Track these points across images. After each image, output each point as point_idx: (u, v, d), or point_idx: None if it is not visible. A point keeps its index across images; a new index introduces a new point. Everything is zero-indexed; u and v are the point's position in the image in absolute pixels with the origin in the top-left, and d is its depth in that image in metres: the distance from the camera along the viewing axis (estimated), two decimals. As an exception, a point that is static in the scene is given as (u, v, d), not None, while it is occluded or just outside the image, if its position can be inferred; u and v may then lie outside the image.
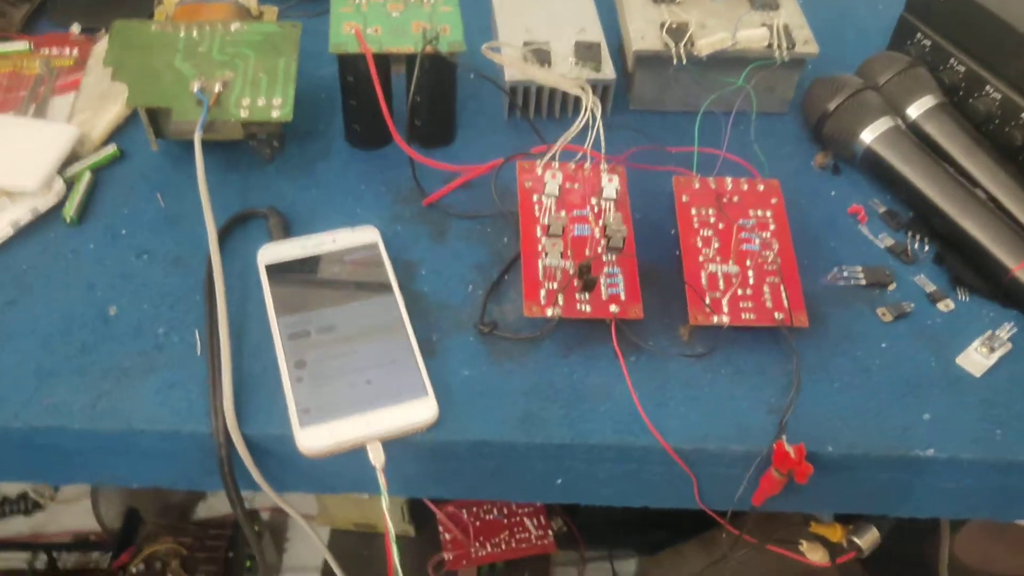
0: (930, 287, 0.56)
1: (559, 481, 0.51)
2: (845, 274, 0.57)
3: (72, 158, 0.60)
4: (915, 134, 0.63)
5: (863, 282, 0.56)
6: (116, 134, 0.64)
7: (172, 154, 0.62)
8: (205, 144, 0.56)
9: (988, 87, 0.63)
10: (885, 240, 0.59)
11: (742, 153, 0.60)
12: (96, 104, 0.64)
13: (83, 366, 0.50)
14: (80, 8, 0.74)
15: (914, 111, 0.64)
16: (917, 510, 0.53)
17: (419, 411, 0.48)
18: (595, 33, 0.68)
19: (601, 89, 0.65)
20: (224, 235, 0.56)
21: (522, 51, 0.65)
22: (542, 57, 0.65)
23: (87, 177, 0.59)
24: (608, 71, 0.65)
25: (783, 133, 0.67)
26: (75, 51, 0.69)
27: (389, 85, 0.61)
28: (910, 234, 0.60)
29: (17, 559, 1.01)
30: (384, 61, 0.59)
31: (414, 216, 0.59)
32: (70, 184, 0.59)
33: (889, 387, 0.51)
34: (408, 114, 0.60)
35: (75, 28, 0.72)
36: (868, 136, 0.62)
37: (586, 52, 0.65)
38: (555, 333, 0.52)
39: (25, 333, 0.52)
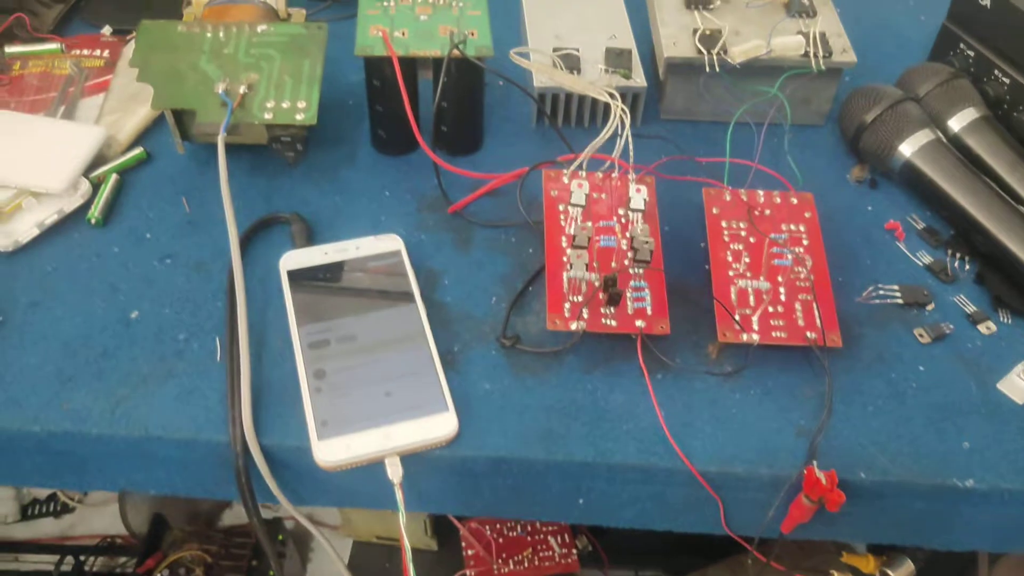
0: (970, 308, 0.55)
1: (580, 501, 0.49)
2: (881, 292, 0.55)
3: (99, 160, 0.60)
4: (956, 148, 0.61)
5: (900, 301, 0.55)
6: (143, 136, 0.63)
7: (198, 157, 0.62)
8: (230, 147, 0.56)
9: (1034, 100, 0.61)
10: (924, 258, 0.57)
11: (775, 165, 0.58)
12: (124, 105, 0.64)
13: (103, 371, 0.50)
14: (112, 9, 0.74)
15: (956, 124, 0.61)
16: (954, 542, 0.51)
17: (438, 426, 0.47)
18: (626, 39, 0.67)
19: (631, 97, 0.64)
20: (247, 240, 0.56)
21: (551, 57, 0.64)
22: (571, 63, 0.63)
23: (113, 179, 0.59)
24: (639, 78, 0.63)
25: (818, 145, 0.65)
26: (106, 52, 0.69)
27: (416, 90, 0.60)
28: (950, 252, 0.58)
29: (45, 562, 1.01)
30: (411, 65, 0.58)
31: (438, 224, 0.58)
32: (96, 185, 0.59)
33: (926, 412, 0.49)
34: (434, 120, 0.59)
35: (106, 29, 0.72)
36: (907, 149, 0.60)
37: (616, 59, 0.64)
38: (579, 348, 0.51)
39: (48, 336, 0.51)
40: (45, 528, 1.07)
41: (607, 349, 0.51)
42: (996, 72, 0.63)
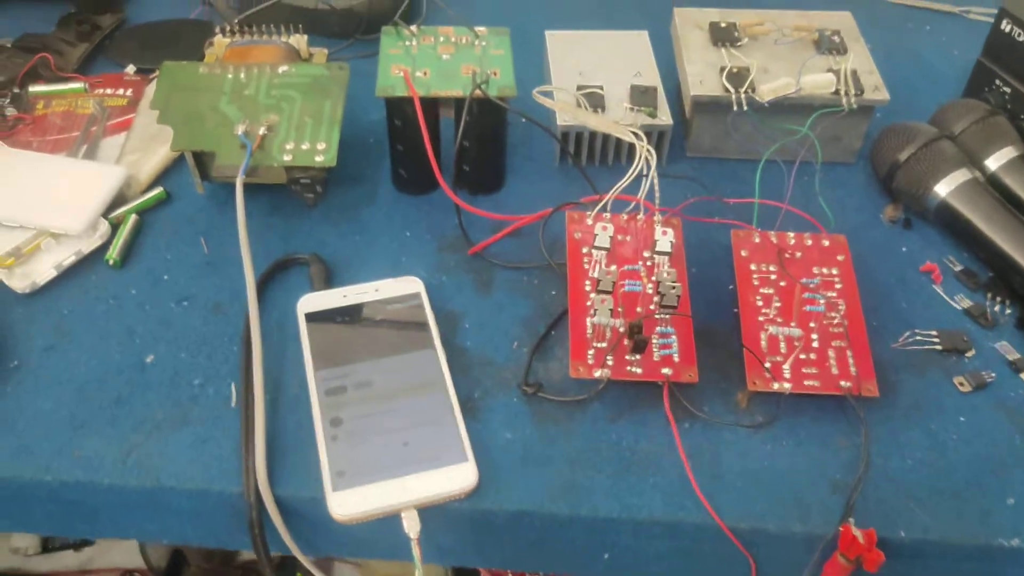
0: (1013, 355, 0.52)
1: (606, 556, 0.47)
2: (918, 338, 0.53)
3: (119, 199, 0.60)
4: (994, 187, 0.59)
5: (938, 347, 0.52)
6: (164, 175, 0.63)
7: (218, 197, 0.61)
8: (250, 187, 0.55)
9: (1075, 138, 0.59)
10: (962, 302, 0.55)
11: (806, 205, 0.57)
12: (146, 145, 0.64)
13: (116, 417, 0.49)
14: (137, 48, 0.74)
15: (993, 163, 0.60)
16: (999, 604, 0.48)
17: (458, 477, 0.45)
18: (651, 77, 0.65)
19: (657, 135, 0.63)
20: (265, 282, 0.55)
21: (575, 95, 0.63)
22: (595, 102, 0.62)
23: (132, 219, 0.59)
24: (664, 117, 0.62)
25: (850, 183, 0.64)
26: (129, 91, 0.69)
27: (437, 129, 0.59)
28: (990, 296, 0.56)
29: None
30: (432, 105, 0.58)
31: (459, 265, 0.57)
32: (115, 226, 0.58)
33: (968, 466, 0.47)
34: (456, 159, 0.58)
35: (130, 68, 0.72)
36: (943, 189, 0.58)
37: (641, 96, 0.63)
38: (603, 396, 0.50)
39: (62, 380, 0.51)
40: (65, 561, 1.07)
41: (632, 397, 0.49)
42: (1034, 109, 0.62)
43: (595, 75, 0.65)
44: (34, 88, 0.68)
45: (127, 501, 0.47)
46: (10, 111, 0.66)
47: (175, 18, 0.77)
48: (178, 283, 0.56)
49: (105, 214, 0.58)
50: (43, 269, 0.55)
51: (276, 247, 0.58)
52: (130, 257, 0.58)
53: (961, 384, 0.51)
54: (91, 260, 0.57)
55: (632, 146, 0.55)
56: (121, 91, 0.69)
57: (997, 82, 0.64)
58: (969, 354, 0.52)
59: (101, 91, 0.69)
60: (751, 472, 0.47)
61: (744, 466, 0.47)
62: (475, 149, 0.59)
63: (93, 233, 0.57)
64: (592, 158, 0.64)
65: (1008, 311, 0.55)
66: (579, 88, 0.63)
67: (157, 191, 0.61)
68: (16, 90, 0.68)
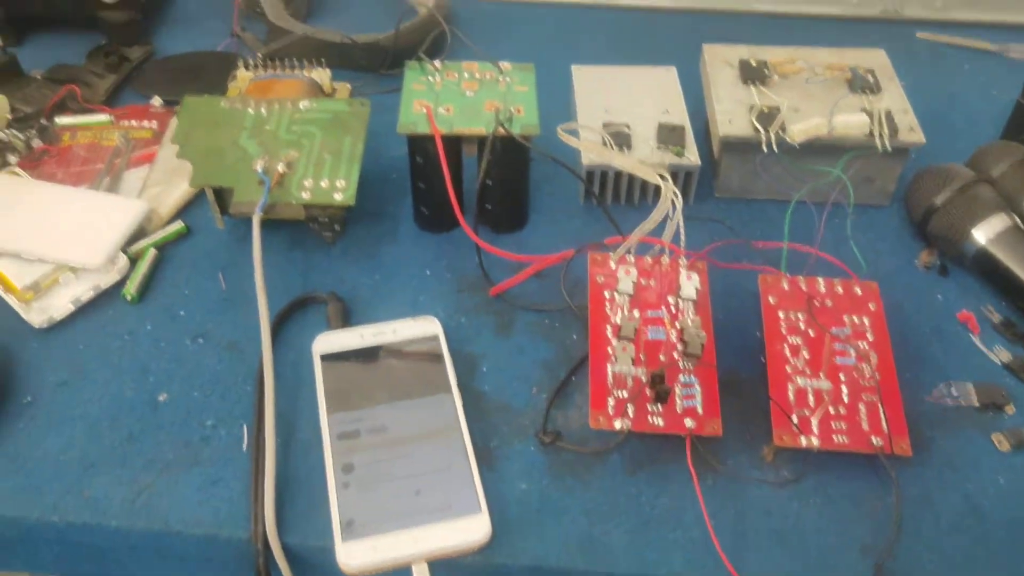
0: (1056, 411, 0.50)
1: (622, 614, 0.46)
2: (954, 392, 0.50)
3: (139, 233, 0.60)
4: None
5: (975, 403, 0.50)
6: (185, 209, 0.63)
7: (238, 232, 0.61)
8: (270, 221, 0.54)
9: (1121, 184, 0.57)
10: (1001, 354, 0.53)
11: (837, 250, 0.55)
12: (168, 178, 0.64)
13: (127, 456, 0.48)
14: (163, 80, 0.74)
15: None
16: None
17: (471, 530, 0.44)
18: (679, 115, 0.64)
19: (684, 176, 0.61)
20: (281, 321, 0.54)
21: (600, 133, 0.61)
22: (621, 140, 0.61)
23: (151, 254, 0.58)
24: (692, 157, 0.61)
25: (883, 228, 0.62)
26: (154, 123, 0.69)
27: (460, 167, 0.58)
28: (1031, 348, 0.54)
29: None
30: (455, 142, 0.57)
31: (479, 306, 0.56)
32: (134, 260, 0.58)
33: (1006, 530, 0.45)
34: (477, 198, 0.57)
35: (156, 100, 0.72)
36: (981, 235, 0.56)
37: (669, 135, 0.62)
38: (623, 447, 0.48)
39: (74, 417, 0.50)
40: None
41: (654, 450, 0.48)
42: (1077, 153, 0.59)
43: (622, 112, 0.64)
44: (61, 119, 0.69)
45: (135, 544, 0.46)
46: (36, 143, 0.66)
47: (202, 50, 0.77)
48: (194, 319, 0.55)
49: (125, 248, 0.58)
50: (60, 304, 0.55)
51: (295, 283, 0.57)
52: (148, 292, 0.57)
53: (1000, 442, 0.48)
54: (109, 295, 0.56)
55: (658, 186, 0.54)
56: (146, 123, 0.69)
57: (1038, 124, 0.62)
58: (1009, 410, 0.50)
59: (127, 123, 0.69)
60: (776, 531, 0.45)
61: (769, 525, 0.45)
62: (498, 187, 0.58)
63: (112, 267, 0.57)
64: (618, 198, 0.63)
65: (1050, 365, 0.52)
66: (605, 125, 0.62)
67: (177, 225, 0.61)
68: (43, 122, 0.68)
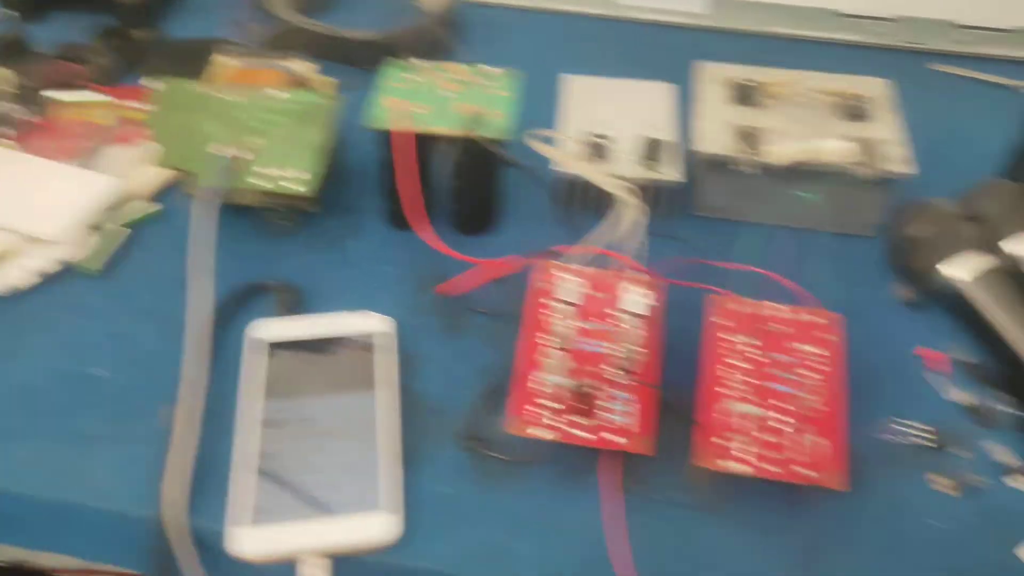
0: (1008, 458, 0.47)
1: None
2: (903, 430, 0.48)
3: (114, 211, 0.60)
4: (1017, 277, 0.54)
5: (926, 443, 0.48)
6: (166, 191, 0.63)
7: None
8: (237, 207, 0.54)
9: (1113, 230, 0.54)
10: (961, 395, 0.50)
11: (808, 277, 0.53)
12: (150, 159, 0.64)
13: (52, 429, 0.48)
14: (169, 63, 0.75)
15: (1020, 250, 0.55)
16: None
17: (378, 527, 0.43)
18: (666, 131, 0.63)
19: (660, 191, 0.60)
20: (233, 305, 0.54)
21: (575, 143, 0.60)
22: (598, 151, 0.60)
23: (121, 232, 0.59)
24: (670, 172, 0.59)
25: (862, 259, 0.59)
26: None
27: (428, 167, 0.58)
28: (995, 393, 0.51)
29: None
30: (426, 141, 0.56)
31: (432, 306, 0.55)
32: (106, 238, 0.59)
33: (934, 573, 0.42)
34: (446, 199, 0.57)
35: (156, 84, 0.73)
36: (957, 274, 0.53)
37: (653, 151, 0.61)
38: (553, 459, 0.47)
39: (9, 387, 0.50)
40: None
41: (582, 463, 0.46)
42: (1073, 195, 0.56)
43: (609, 124, 0.63)
44: (60, 95, 0.70)
45: (47, 514, 0.46)
46: (35, 118, 0.67)
47: (206, 36, 0.78)
48: (146, 298, 0.56)
49: (98, 225, 0.59)
50: (22, 274, 0.56)
51: (256, 269, 0.57)
52: (114, 270, 0.58)
53: (942, 484, 0.46)
54: (76, 270, 0.57)
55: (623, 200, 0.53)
56: (144, 105, 0.70)
57: (1038, 164, 0.60)
58: (958, 453, 0.48)
59: (126, 103, 0.70)
60: (692, 558, 0.43)
61: (686, 550, 0.43)
62: (467, 189, 0.58)
63: (78, 242, 0.57)
64: (593, 208, 0.62)
65: (1011, 411, 0.50)
66: (586, 135, 0.61)
67: (157, 206, 0.61)
68: (46, 94, 0.69)
